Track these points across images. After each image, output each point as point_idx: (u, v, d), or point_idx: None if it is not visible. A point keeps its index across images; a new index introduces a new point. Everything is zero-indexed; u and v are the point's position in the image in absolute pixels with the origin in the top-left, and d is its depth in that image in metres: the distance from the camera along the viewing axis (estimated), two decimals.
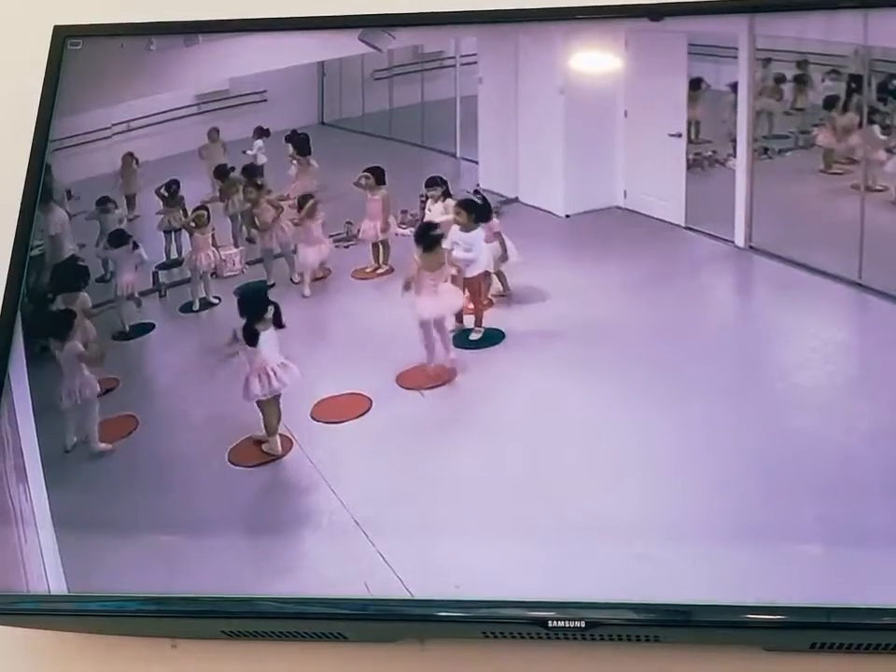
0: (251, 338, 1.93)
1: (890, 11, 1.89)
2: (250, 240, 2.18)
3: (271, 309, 1.95)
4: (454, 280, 2.01)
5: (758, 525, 1.67)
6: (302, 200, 2.13)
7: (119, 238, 2.09)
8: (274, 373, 1.92)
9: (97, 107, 2.09)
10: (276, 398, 1.92)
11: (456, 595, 1.67)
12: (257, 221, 2.17)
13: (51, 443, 1.89)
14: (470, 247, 2.03)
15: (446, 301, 1.99)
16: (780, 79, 2.03)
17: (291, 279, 2.11)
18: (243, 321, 1.96)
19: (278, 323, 1.95)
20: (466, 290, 2.02)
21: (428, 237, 2.02)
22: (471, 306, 2.00)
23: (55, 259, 2.04)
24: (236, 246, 2.16)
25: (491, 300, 2.01)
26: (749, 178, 2.00)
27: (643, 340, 1.91)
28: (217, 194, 2.19)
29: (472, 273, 2.02)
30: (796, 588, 1.61)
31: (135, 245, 2.10)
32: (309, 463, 1.86)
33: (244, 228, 2.19)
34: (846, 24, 1.93)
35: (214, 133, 2.16)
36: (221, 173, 2.18)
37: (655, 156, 2.09)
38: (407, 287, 1.98)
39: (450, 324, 1.98)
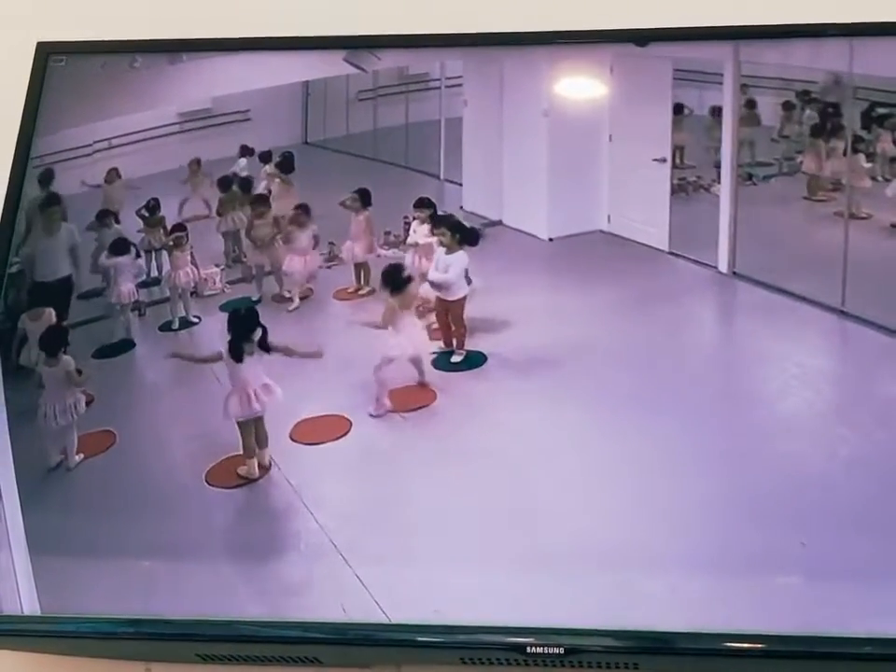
0: (237, 354, 1.92)
1: (874, 40, 1.89)
2: (236, 260, 2.17)
3: (259, 331, 1.93)
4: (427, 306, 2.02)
5: (739, 553, 1.66)
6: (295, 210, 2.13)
7: (121, 246, 2.09)
8: (255, 395, 1.90)
9: (79, 124, 2.08)
10: (259, 419, 1.90)
11: (435, 619, 1.65)
12: (254, 236, 2.16)
13: (27, 463, 1.87)
14: (447, 269, 2.02)
15: (420, 341, 1.98)
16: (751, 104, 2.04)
17: (282, 294, 2.12)
18: (229, 337, 1.94)
19: (264, 347, 1.93)
20: (448, 314, 2.01)
21: (398, 280, 2.00)
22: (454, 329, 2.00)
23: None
24: (228, 265, 2.15)
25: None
26: (734, 204, 2.00)
27: (625, 365, 1.90)
28: (217, 207, 2.18)
29: (453, 296, 2.01)
30: (777, 617, 1.60)
31: (138, 254, 2.10)
32: (288, 485, 1.85)
33: (234, 246, 2.18)
34: (830, 53, 1.93)
35: (195, 165, 2.15)
36: (224, 184, 2.17)
37: (639, 181, 2.08)
38: (384, 325, 1.97)
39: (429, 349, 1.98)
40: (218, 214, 2.18)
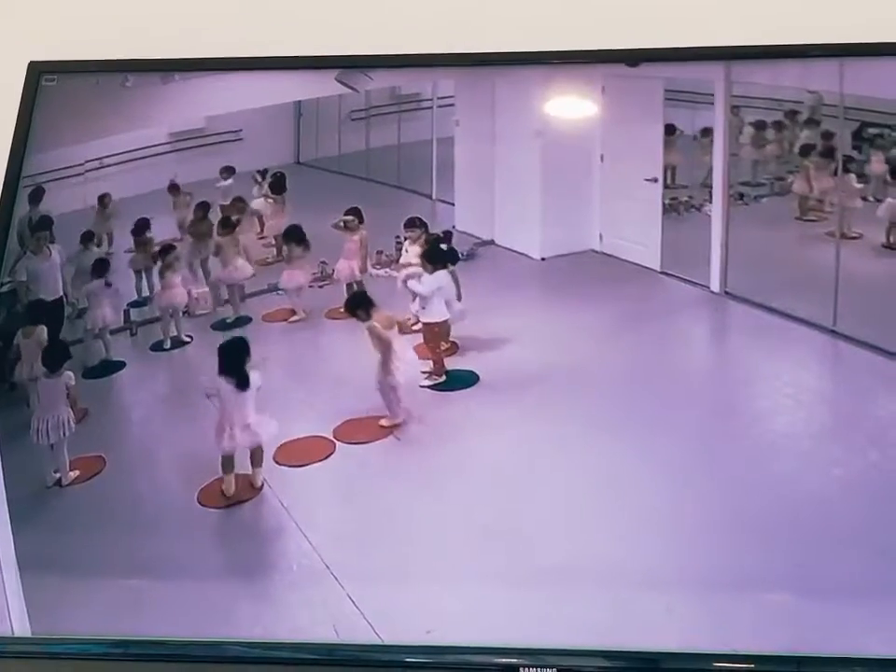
0: (242, 384, 1.92)
1: (865, 60, 1.89)
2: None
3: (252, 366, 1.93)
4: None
5: (732, 572, 1.66)
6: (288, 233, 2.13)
7: (101, 268, 2.08)
8: (231, 432, 1.89)
9: (71, 144, 2.08)
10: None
11: (426, 640, 1.65)
12: (221, 254, 2.16)
13: (17, 482, 1.86)
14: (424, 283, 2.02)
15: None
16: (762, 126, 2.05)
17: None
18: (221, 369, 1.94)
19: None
20: (423, 336, 2.01)
21: (361, 303, 2.00)
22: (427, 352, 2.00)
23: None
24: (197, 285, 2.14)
25: (455, 343, 2.00)
26: (725, 224, 2.00)
27: (617, 385, 1.90)
28: (189, 230, 2.17)
29: (427, 318, 2.01)
30: (768, 636, 1.60)
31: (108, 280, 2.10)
32: (279, 506, 1.84)
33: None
34: (821, 73, 1.94)
35: (174, 190, 2.15)
36: (200, 208, 2.17)
37: (631, 200, 2.09)
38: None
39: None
40: (190, 234, 2.17)
